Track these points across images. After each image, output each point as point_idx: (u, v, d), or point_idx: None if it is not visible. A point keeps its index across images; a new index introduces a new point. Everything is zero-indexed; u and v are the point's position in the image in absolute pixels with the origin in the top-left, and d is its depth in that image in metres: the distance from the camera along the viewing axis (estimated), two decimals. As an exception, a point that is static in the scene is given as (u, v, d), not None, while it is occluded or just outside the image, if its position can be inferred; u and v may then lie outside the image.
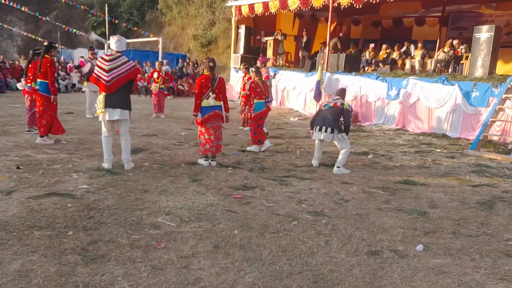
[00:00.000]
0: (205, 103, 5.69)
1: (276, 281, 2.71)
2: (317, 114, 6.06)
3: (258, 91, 7.13)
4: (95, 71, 5.33)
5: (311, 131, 6.02)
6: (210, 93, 5.67)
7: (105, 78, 5.17)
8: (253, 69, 7.54)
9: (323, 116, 5.88)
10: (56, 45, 7.15)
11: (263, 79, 8.21)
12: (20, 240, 3.12)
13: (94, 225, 3.47)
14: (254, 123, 7.09)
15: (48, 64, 6.70)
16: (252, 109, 7.22)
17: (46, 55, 6.73)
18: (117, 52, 5.31)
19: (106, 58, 5.30)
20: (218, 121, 5.81)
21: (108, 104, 5.18)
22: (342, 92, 6.22)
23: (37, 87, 6.74)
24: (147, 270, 2.77)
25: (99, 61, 5.37)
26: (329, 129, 5.72)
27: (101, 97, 5.23)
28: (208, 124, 5.75)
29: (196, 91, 5.76)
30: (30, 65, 7.04)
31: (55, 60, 7.07)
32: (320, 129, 5.80)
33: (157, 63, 12.00)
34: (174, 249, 3.11)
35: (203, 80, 5.69)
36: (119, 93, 5.23)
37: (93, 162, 5.55)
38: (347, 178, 5.45)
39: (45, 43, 6.99)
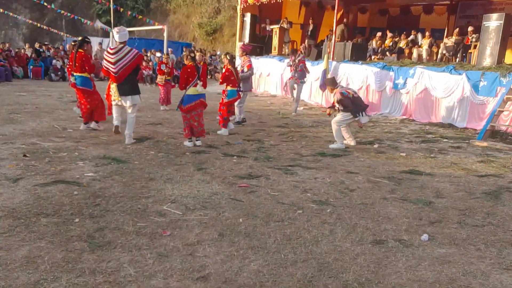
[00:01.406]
0: (192, 91, 6.03)
1: (281, 269, 2.72)
2: (358, 100, 6.61)
3: (232, 80, 7.37)
4: (104, 64, 5.92)
5: (359, 116, 6.52)
6: (198, 81, 6.03)
7: (113, 69, 5.80)
8: (228, 57, 7.55)
9: (361, 102, 6.72)
10: (89, 39, 7.24)
11: (246, 67, 8.19)
12: (28, 227, 3.15)
13: (100, 212, 3.50)
14: (225, 108, 7.36)
15: (83, 59, 6.82)
16: (224, 95, 7.44)
17: (80, 50, 6.84)
18: (120, 43, 5.81)
19: (111, 51, 5.86)
20: (202, 108, 6.21)
21: (121, 92, 5.90)
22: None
23: (74, 81, 6.90)
24: (152, 257, 2.79)
25: (105, 54, 5.95)
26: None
27: (113, 87, 5.93)
28: (194, 111, 6.07)
29: (181, 79, 6.09)
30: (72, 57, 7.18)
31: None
32: (365, 114, 6.58)
33: (164, 56, 11.89)
34: (179, 236, 3.14)
35: (189, 70, 6.05)
36: (128, 81, 5.89)
37: (99, 150, 5.58)
38: (353, 167, 5.44)
39: (79, 38, 7.19)
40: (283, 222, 3.51)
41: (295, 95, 10.75)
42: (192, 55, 6.22)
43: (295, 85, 10.67)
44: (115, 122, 6.27)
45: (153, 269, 2.65)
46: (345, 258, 2.91)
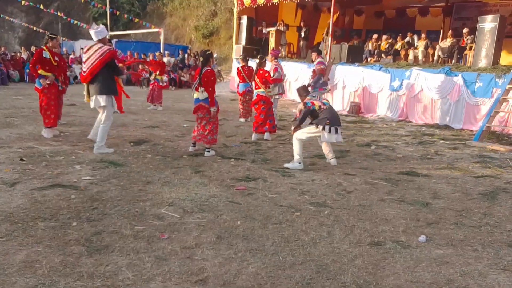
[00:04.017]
0: (194, 94, 5.90)
1: (279, 271, 2.72)
2: (325, 112, 5.32)
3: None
4: None
5: (322, 130, 5.22)
6: (196, 86, 5.81)
7: (83, 69, 5.56)
8: (258, 60, 7.73)
9: (335, 114, 5.40)
10: (56, 36, 7.03)
11: (273, 71, 8.23)
12: (25, 231, 3.14)
13: (97, 216, 3.49)
14: (257, 111, 7.34)
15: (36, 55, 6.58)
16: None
17: (43, 47, 6.65)
18: (98, 41, 5.54)
19: (84, 49, 5.68)
20: (203, 113, 5.86)
21: (88, 93, 5.58)
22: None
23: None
24: (151, 261, 2.79)
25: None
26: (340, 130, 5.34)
27: (85, 86, 5.62)
28: (195, 115, 5.95)
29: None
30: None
31: (57, 50, 6.96)
32: (336, 131, 5.23)
33: (157, 54, 11.86)
34: (177, 239, 3.13)
35: (193, 72, 5.95)
36: (94, 81, 5.51)
37: (96, 154, 5.57)
38: (350, 169, 5.45)
39: (46, 36, 6.97)
40: (281, 224, 3.51)
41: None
42: (201, 58, 5.89)
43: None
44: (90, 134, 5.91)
45: (151, 272, 2.65)
46: (343, 260, 2.91)
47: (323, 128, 5.18)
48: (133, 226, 3.34)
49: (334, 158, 5.66)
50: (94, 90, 5.49)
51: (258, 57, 7.79)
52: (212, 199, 4.06)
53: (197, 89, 5.81)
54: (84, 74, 5.50)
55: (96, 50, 5.46)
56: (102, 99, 5.50)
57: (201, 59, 5.92)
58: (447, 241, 3.32)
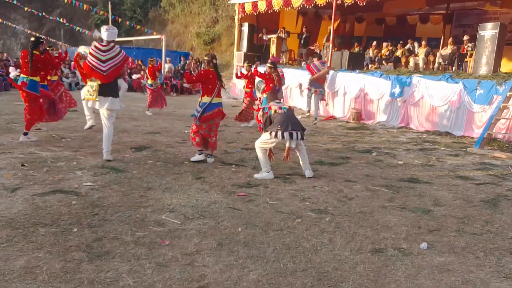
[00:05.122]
0: (213, 99, 5.70)
1: (280, 278, 2.71)
2: (278, 117, 5.09)
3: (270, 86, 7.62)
4: (90, 61, 5.42)
5: (276, 138, 4.98)
6: (216, 91, 5.71)
7: (103, 68, 5.39)
8: (269, 65, 7.97)
9: (290, 118, 5.12)
10: (43, 40, 6.94)
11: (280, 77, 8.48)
12: (26, 237, 3.14)
13: (98, 222, 3.49)
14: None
15: (46, 61, 6.55)
16: (260, 102, 7.47)
17: (35, 52, 6.42)
18: (108, 42, 5.45)
19: (102, 48, 5.46)
20: (220, 118, 5.91)
21: (101, 92, 5.43)
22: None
23: (26, 81, 6.43)
24: (151, 267, 2.78)
25: (93, 49, 5.48)
26: (299, 134, 5.09)
27: (95, 85, 5.44)
28: (211, 121, 5.76)
29: (196, 79, 5.93)
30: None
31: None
32: (291, 136, 4.98)
33: (150, 61, 11.19)
34: (178, 246, 3.13)
35: (211, 76, 5.67)
36: (112, 83, 5.48)
37: (98, 160, 5.57)
38: (351, 176, 5.45)
39: (32, 39, 6.72)
40: (282, 231, 3.51)
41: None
42: (215, 61, 5.75)
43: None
44: (89, 122, 6.10)
45: (152, 279, 2.64)
46: (344, 267, 2.90)
47: (275, 135, 4.96)
48: (134, 232, 3.33)
49: (309, 170, 5.31)
50: (110, 92, 5.42)
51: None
52: (213, 205, 4.06)
53: (218, 95, 5.77)
54: (105, 74, 5.35)
55: (116, 54, 5.45)
56: (118, 103, 5.53)
57: (214, 61, 5.74)
58: (449, 248, 3.30)
